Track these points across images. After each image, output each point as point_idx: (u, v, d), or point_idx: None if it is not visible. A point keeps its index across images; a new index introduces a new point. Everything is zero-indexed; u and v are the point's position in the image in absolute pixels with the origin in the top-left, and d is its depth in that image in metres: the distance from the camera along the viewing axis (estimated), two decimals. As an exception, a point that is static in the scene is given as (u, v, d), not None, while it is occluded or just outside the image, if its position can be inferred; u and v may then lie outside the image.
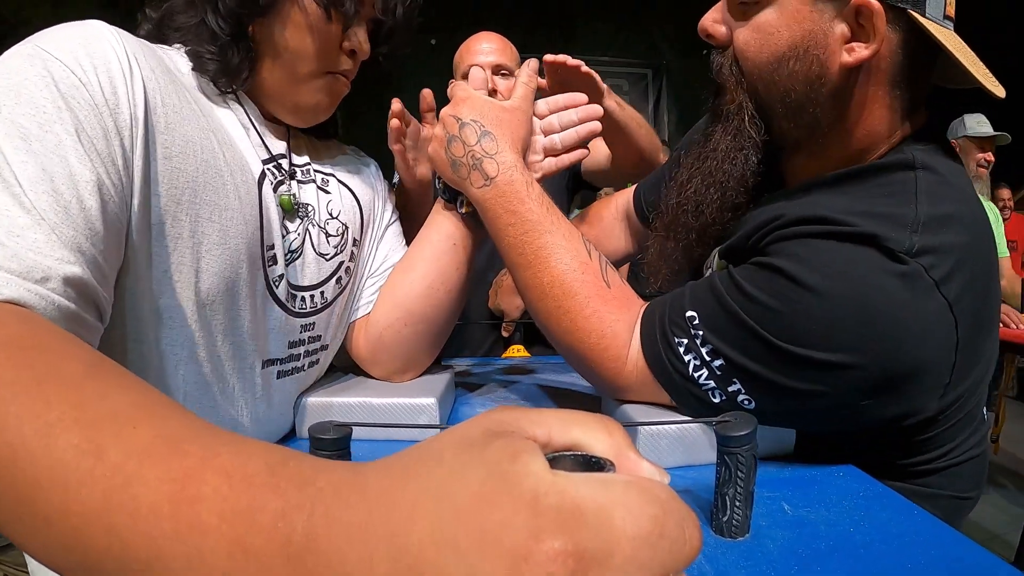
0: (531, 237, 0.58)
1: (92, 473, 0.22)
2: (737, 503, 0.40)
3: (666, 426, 0.52)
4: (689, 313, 0.53)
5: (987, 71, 0.53)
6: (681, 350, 0.53)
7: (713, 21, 0.59)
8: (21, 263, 0.34)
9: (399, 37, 0.64)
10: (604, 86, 0.86)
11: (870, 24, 0.49)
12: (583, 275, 0.57)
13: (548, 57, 0.78)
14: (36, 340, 0.29)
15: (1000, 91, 0.52)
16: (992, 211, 2.32)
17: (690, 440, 0.53)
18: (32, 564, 0.58)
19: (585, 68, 0.80)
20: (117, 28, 0.47)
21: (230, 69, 0.55)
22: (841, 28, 0.51)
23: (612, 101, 0.90)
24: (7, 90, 0.39)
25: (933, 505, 0.45)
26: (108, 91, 0.43)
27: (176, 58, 0.55)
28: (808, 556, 0.39)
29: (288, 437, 0.64)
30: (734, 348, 0.50)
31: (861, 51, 0.51)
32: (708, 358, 0.51)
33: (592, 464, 0.21)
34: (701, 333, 0.52)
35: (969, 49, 0.52)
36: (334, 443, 0.39)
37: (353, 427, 0.41)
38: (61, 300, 0.35)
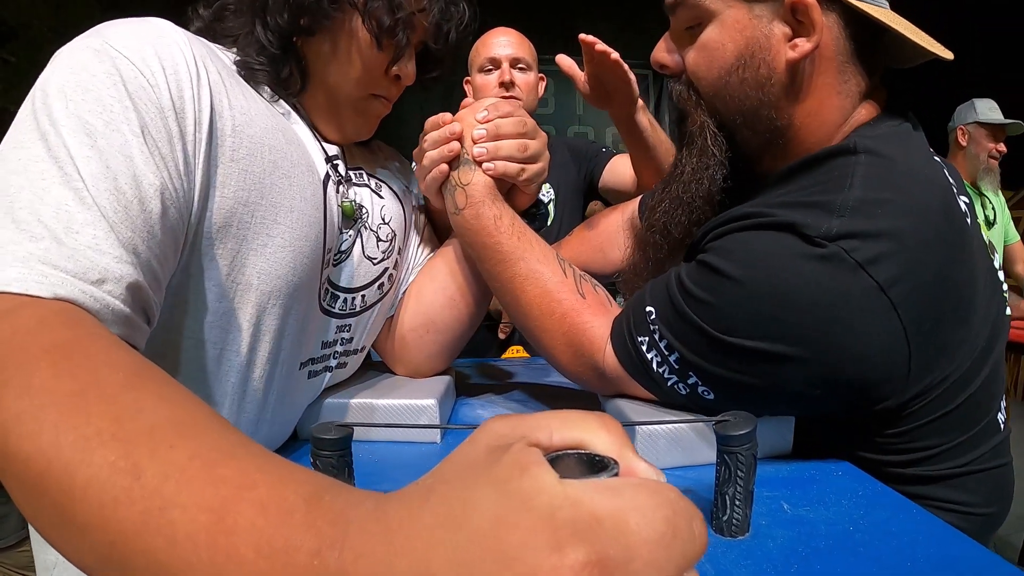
0: (504, 267, 0.60)
1: (129, 493, 0.22)
2: (737, 502, 0.40)
3: (665, 426, 0.52)
4: (648, 308, 0.54)
5: (931, 39, 0.53)
6: (644, 347, 0.54)
7: (665, 52, 0.61)
8: (78, 263, 0.33)
9: (448, 62, 0.62)
10: (638, 99, 0.87)
11: (807, 18, 0.51)
12: (559, 294, 0.59)
13: (583, 36, 0.79)
14: (81, 346, 0.29)
15: (948, 54, 0.53)
16: (1000, 201, 2.28)
17: (689, 440, 0.53)
18: (35, 540, 0.56)
19: (615, 56, 0.81)
20: (183, 29, 0.45)
21: (280, 80, 0.54)
22: (781, 28, 0.53)
23: (645, 119, 0.91)
24: (75, 86, 0.38)
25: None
26: (175, 94, 0.42)
27: (235, 57, 0.54)
28: (808, 554, 0.39)
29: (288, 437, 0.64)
30: (681, 340, 0.51)
31: (804, 45, 0.52)
32: (666, 352, 0.53)
33: (596, 463, 0.21)
34: (657, 328, 0.53)
35: (908, 22, 0.53)
36: (335, 443, 0.39)
37: (354, 427, 0.41)
38: (115, 303, 0.35)
